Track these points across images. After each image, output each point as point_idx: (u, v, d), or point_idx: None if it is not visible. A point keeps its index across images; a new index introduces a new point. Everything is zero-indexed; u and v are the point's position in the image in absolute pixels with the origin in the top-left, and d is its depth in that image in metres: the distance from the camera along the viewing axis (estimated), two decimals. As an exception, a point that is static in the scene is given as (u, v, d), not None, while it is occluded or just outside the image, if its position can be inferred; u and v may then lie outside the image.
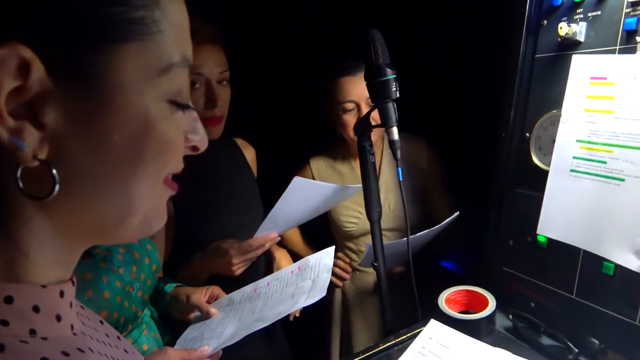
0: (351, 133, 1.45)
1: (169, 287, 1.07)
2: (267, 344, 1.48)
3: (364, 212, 1.57)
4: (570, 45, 0.96)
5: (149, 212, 0.40)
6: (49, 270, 0.37)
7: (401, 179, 1.00)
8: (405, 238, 1.40)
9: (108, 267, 0.88)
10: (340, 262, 1.65)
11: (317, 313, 1.84)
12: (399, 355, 0.92)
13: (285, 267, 1.07)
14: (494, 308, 1.01)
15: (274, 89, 2.04)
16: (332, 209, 1.61)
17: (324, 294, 0.92)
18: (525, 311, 1.02)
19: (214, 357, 0.85)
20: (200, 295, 1.02)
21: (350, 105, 1.43)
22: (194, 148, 0.44)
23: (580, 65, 0.92)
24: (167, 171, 0.40)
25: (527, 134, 1.05)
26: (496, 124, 1.11)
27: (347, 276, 1.67)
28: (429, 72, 1.62)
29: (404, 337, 1.04)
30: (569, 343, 0.90)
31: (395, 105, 0.96)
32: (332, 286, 1.72)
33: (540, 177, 0.99)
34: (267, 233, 1.10)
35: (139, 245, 0.98)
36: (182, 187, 1.39)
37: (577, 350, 0.88)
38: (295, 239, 1.78)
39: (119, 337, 0.53)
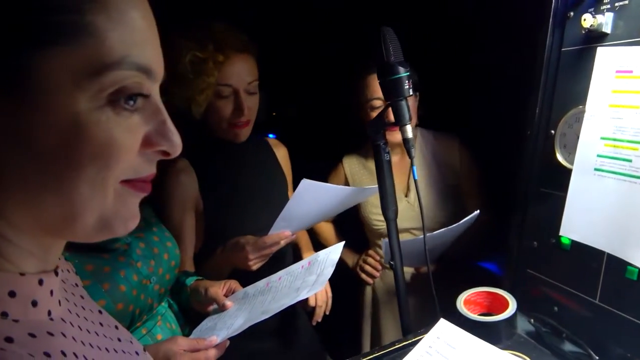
0: (395, 138, 1.45)
1: (190, 281, 1.12)
2: (296, 338, 1.51)
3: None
4: (597, 38, 0.91)
5: (105, 215, 0.40)
6: (25, 261, 0.40)
7: (416, 177, 0.99)
8: (443, 229, 1.40)
9: (126, 261, 0.93)
10: (370, 260, 1.66)
11: (348, 310, 1.85)
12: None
13: (298, 262, 1.09)
14: (513, 311, 0.98)
15: (308, 90, 2.08)
16: (362, 207, 1.61)
17: (323, 286, 0.93)
18: (548, 315, 0.98)
19: (220, 346, 0.88)
20: (217, 289, 1.06)
21: (377, 103, 1.43)
22: (165, 153, 0.44)
23: (606, 58, 0.88)
24: (117, 175, 0.40)
25: (553, 131, 1.00)
26: (522, 121, 1.07)
27: (377, 274, 1.67)
28: (453, 69, 1.59)
29: (421, 337, 1.03)
30: (590, 350, 0.86)
31: (408, 104, 0.95)
32: (362, 284, 1.73)
33: (565, 177, 0.95)
34: (281, 231, 1.13)
35: (159, 242, 1.03)
36: (211, 185, 1.45)
37: (597, 357, 0.84)
38: (330, 236, 1.80)
39: (116, 327, 0.57)
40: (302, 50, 2.07)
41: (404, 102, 0.95)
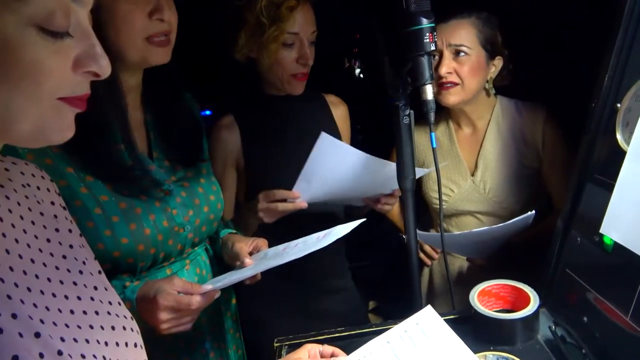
0: (446, 100, 1.32)
1: (224, 233, 1.15)
2: (345, 304, 1.50)
3: (455, 189, 1.44)
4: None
5: (40, 124, 0.46)
6: None
7: (434, 146, 0.88)
8: (483, 228, 1.25)
9: (162, 207, 0.96)
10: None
11: (404, 291, 1.77)
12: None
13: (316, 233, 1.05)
14: (530, 312, 0.83)
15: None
16: (423, 183, 1.50)
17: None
18: (577, 325, 0.82)
19: (208, 296, 0.88)
20: (243, 245, 1.06)
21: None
22: (95, 74, 0.48)
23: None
24: (52, 92, 0.45)
25: (618, 105, 0.81)
26: (589, 90, 0.88)
27: (435, 255, 1.56)
28: (520, 29, 1.35)
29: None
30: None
31: (431, 60, 0.84)
32: (421, 265, 1.62)
33: (622, 162, 0.76)
34: (296, 191, 1.12)
35: (203, 194, 1.06)
36: (254, 142, 1.46)
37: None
38: (395, 211, 1.73)
39: (70, 246, 0.61)
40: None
41: (424, 58, 0.84)
